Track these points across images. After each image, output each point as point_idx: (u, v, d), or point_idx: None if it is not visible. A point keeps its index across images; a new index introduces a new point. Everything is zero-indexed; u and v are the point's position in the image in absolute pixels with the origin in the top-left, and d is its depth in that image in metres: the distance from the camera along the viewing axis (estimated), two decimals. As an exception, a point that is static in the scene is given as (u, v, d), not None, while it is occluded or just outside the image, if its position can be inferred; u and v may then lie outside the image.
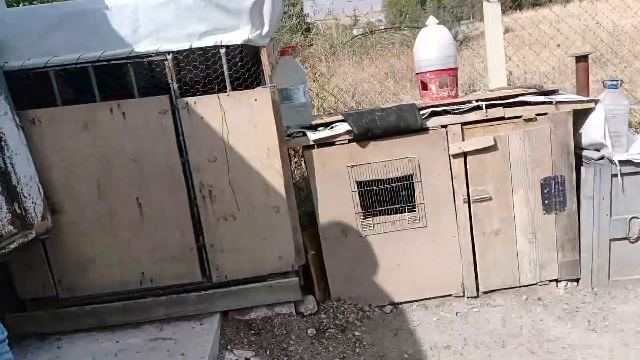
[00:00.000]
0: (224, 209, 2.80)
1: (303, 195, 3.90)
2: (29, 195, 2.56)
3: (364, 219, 2.98)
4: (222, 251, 2.85)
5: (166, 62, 2.62)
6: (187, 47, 2.59)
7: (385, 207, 2.97)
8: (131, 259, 2.82)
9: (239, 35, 2.60)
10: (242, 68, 2.71)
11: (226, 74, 2.67)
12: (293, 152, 4.28)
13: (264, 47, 2.69)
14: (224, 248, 2.84)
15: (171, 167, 2.73)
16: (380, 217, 2.99)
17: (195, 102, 2.66)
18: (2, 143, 2.43)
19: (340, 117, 2.97)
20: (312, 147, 2.90)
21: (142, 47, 2.58)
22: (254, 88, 2.71)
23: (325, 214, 2.98)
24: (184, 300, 2.90)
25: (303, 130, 2.92)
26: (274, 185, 2.78)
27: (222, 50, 2.63)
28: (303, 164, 3.81)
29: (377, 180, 2.93)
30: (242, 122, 2.69)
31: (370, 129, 2.82)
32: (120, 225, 2.78)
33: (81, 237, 2.79)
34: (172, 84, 2.65)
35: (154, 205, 2.77)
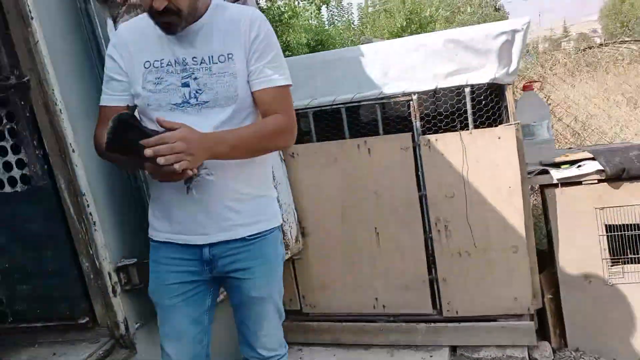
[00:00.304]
0: (459, 245, 2.83)
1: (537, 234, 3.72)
2: (287, 220, 2.90)
3: (612, 265, 2.75)
4: (454, 286, 2.87)
5: (411, 101, 2.76)
6: (433, 87, 2.70)
7: None
8: (367, 284, 3.01)
9: (485, 74, 2.62)
10: (485, 105, 2.72)
11: (469, 112, 2.71)
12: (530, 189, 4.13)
13: (509, 84, 2.67)
14: (457, 283, 2.87)
15: (409, 201, 2.85)
16: (633, 265, 2.72)
17: (436, 140, 2.75)
18: (272, 175, 2.80)
19: (588, 155, 2.79)
20: (555, 185, 2.78)
21: (390, 89, 2.75)
22: (495, 125, 2.70)
23: (566, 256, 2.81)
24: (413, 330, 2.99)
25: (545, 167, 2.82)
26: (513, 224, 2.72)
27: (467, 90, 2.68)
28: (539, 202, 3.65)
29: (632, 225, 2.68)
30: (483, 160, 2.69)
31: (625, 170, 2.60)
32: (359, 252, 2.99)
33: (324, 259, 3.06)
34: (415, 122, 2.77)
35: (390, 236, 2.92)
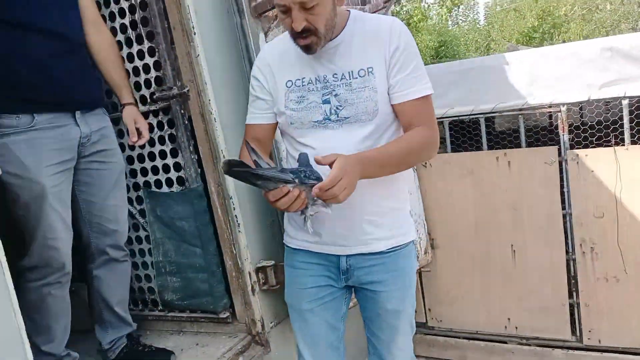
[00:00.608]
0: (606, 269, 2.60)
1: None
2: (417, 231, 2.86)
3: None
4: (598, 313, 2.65)
5: (559, 113, 2.59)
6: (585, 98, 2.51)
7: None
8: (498, 303, 2.88)
9: (648, 85, 2.39)
10: (645, 119, 2.48)
11: (626, 126, 2.48)
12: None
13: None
14: (601, 310, 2.64)
15: (551, 219, 2.68)
16: None
17: (586, 155, 2.55)
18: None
19: None
20: None
21: (536, 99, 2.61)
22: (656, 141, 2.45)
23: None
24: (547, 355, 2.80)
25: None
26: (672, 251, 2.45)
27: (625, 102, 2.45)
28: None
29: None
30: (639, 179, 2.45)
31: None
32: (491, 269, 2.86)
33: (454, 273, 2.98)
34: (563, 135, 2.60)
35: (528, 254, 2.76)
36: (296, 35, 1.40)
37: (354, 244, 1.59)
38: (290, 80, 1.51)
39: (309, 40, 1.39)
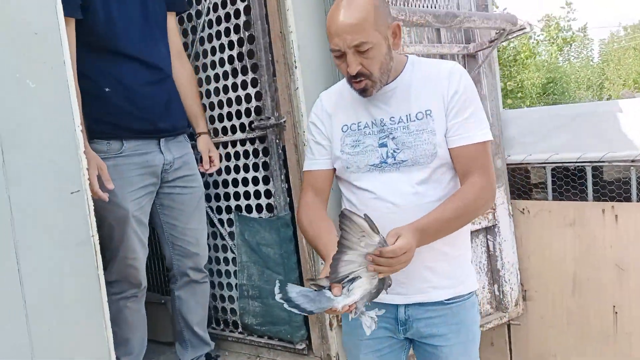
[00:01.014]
0: None
1: None
2: (509, 280, 2.71)
3: None
4: None
5: (679, 168, 2.36)
6: None
7: None
8: (595, 368, 2.64)
9: None
10: None
11: None
12: None
13: None
14: None
15: (662, 282, 2.43)
16: None
17: None
18: (496, 229, 2.66)
19: None
20: None
21: (651, 151, 2.40)
22: None
23: None
24: None
25: None
26: None
27: None
28: None
29: None
30: None
31: None
32: (589, 329, 2.64)
33: (546, 330, 2.78)
34: (682, 192, 2.36)
35: (632, 318, 2.52)
36: (351, 79, 1.40)
37: (412, 292, 1.51)
38: (346, 125, 1.50)
39: (363, 84, 1.38)
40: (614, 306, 2.56)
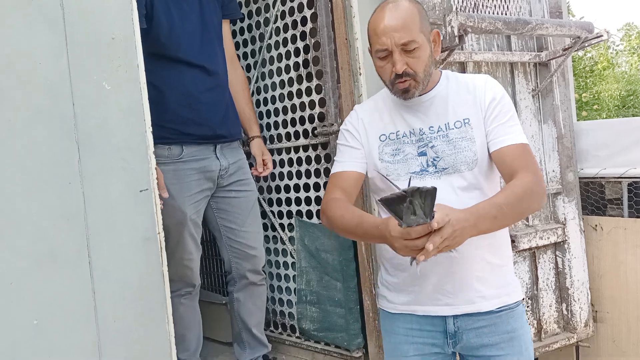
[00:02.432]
0: None
1: None
2: (578, 299, 2.57)
3: None
4: None
5: None
6: None
7: None
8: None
9: None
10: None
11: None
12: None
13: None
14: None
15: None
16: None
17: None
18: (565, 246, 2.54)
19: None
20: None
21: None
22: None
23: None
24: None
25: None
26: None
27: None
28: None
29: None
30: None
31: None
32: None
33: (617, 354, 2.61)
34: None
35: None
36: (395, 79, 1.41)
37: (461, 302, 1.48)
38: (384, 134, 1.51)
39: (407, 83, 1.40)
40: (697, 334, 2.37)
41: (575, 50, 2.42)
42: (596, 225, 2.63)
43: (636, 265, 2.53)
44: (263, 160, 2.34)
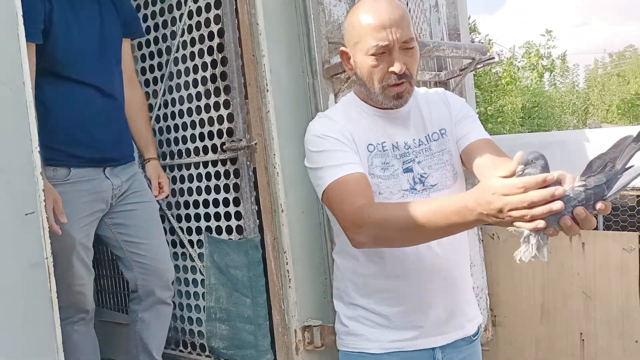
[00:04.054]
0: (690, 377, 2.33)
1: None
2: (478, 305, 2.71)
3: None
4: None
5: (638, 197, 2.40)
6: (673, 185, 2.31)
7: None
8: (562, 396, 2.65)
9: None
10: None
11: None
12: None
13: None
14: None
15: (627, 311, 2.46)
16: None
17: (672, 246, 2.34)
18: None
19: None
20: None
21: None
22: None
23: None
24: None
25: None
26: None
27: None
28: None
29: None
30: None
31: None
32: (557, 356, 2.65)
33: (514, 356, 2.78)
34: (646, 221, 2.40)
35: (598, 346, 2.53)
36: (389, 83, 1.26)
37: (453, 328, 1.36)
38: (372, 144, 1.32)
39: (403, 87, 1.26)
40: (581, 333, 2.57)
41: (471, 71, 2.57)
42: (493, 234, 2.80)
43: (528, 271, 2.71)
44: (159, 183, 2.30)
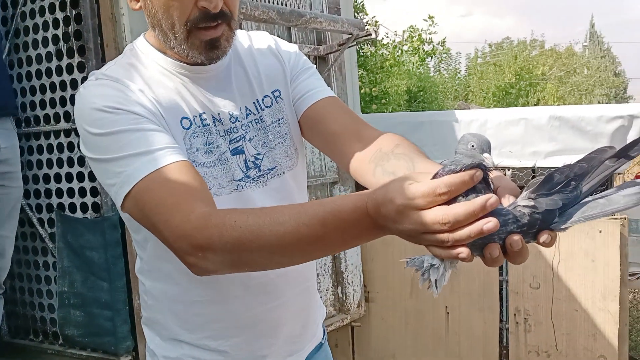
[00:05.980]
0: (538, 343, 2.51)
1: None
2: (352, 282, 2.73)
3: None
4: (527, 388, 2.55)
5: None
6: (530, 165, 2.46)
7: None
8: (428, 366, 2.76)
9: (592, 159, 2.34)
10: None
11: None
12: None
13: (619, 173, 2.37)
14: (530, 385, 2.54)
15: (487, 285, 2.59)
16: None
17: (527, 223, 2.49)
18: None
19: None
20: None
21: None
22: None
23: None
24: None
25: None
26: (604, 331, 2.38)
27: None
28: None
29: None
30: (578, 253, 2.39)
31: None
32: (424, 329, 2.75)
33: (386, 330, 2.85)
34: (506, 200, 2.53)
35: (461, 319, 2.66)
36: (198, 24, 0.87)
37: (308, 339, 1.09)
38: (187, 118, 0.93)
39: (220, 30, 0.89)
40: (446, 307, 2.68)
41: (349, 46, 2.53)
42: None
43: (401, 246, 2.77)
44: None
